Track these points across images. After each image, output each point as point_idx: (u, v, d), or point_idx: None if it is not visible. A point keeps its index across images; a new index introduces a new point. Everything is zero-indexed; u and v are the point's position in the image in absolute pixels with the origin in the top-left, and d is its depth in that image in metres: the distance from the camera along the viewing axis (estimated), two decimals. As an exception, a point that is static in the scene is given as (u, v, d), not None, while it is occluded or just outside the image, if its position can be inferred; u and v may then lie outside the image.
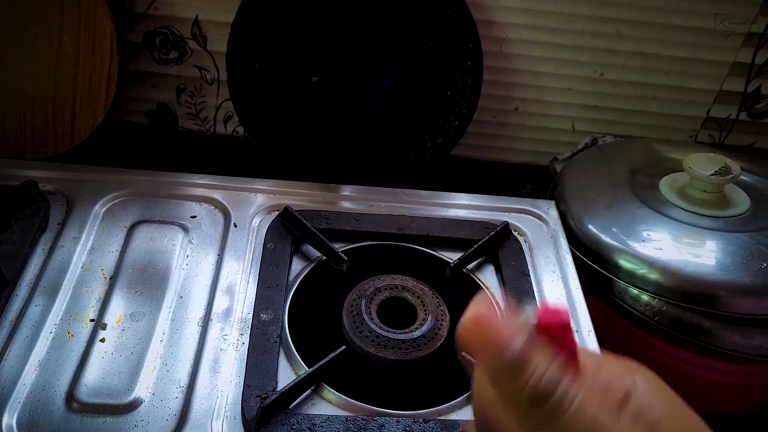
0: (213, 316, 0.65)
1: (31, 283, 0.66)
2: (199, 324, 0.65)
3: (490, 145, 1.06)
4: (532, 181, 1.07)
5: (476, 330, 0.34)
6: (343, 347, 0.62)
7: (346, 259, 0.70)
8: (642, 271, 0.75)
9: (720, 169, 0.80)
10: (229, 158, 1.02)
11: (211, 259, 0.71)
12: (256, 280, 0.69)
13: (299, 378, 0.58)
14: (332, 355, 0.61)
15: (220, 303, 0.66)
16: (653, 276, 0.74)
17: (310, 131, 0.88)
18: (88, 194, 0.75)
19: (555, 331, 0.32)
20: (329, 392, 0.60)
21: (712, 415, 0.84)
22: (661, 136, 1.04)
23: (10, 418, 0.55)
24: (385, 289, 0.68)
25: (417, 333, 0.64)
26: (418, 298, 0.67)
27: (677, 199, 0.82)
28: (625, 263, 0.76)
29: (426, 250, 0.75)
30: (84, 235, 0.71)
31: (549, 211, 0.82)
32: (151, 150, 1.02)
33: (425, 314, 0.66)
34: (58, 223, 0.72)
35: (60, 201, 0.74)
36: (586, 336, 0.67)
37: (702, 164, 0.81)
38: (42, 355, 0.60)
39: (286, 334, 0.64)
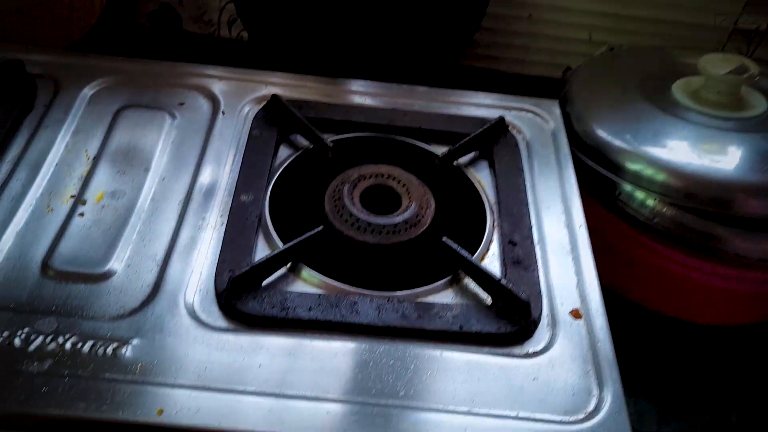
0: (194, 197, 0.64)
1: (13, 160, 0.65)
2: (179, 204, 0.64)
3: (501, 56, 1.02)
4: (545, 90, 1.03)
5: None
6: (321, 227, 0.60)
7: (331, 145, 0.68)
8: (649, 171, 0.72)
9: (737, 68, 0.75)
10: (233, 62, 1.00)
11: (197, 144, 0.70)
12: (239, 165, 0.67)
13: (273, 254, 0.57)
14: (309, 234, 0.59)
15: (202, 186, 0.65)
16: (660, 177, 0.71)
17: (312, 33, 0.86)
18: (77, 79, 0.74)
19: None
20: (307, 272, 0.59)
21: (718, 324, 0.82)
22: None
23: (-16, 280, 0.55)
24: (370, 177, 0.66)
25: (399, 218, 0.62)
26: (403, 186, 0.65)
27: (690, 102, 0.78)
28: (632, 165, 0.73)
29: (416, 143, 0.73)
30: (70, 117, 0.70)
31: (552, 110, 0.78)
32: (154, 52, 1.01)
33: (409, 201, 0.64)
34: (45, 105, 0.71)
35: (47, 85, 0.73)
36: (577, 230, 0.65)
37: (718, 64, 0.76)
38: (20, 226, 0.60)
39: (265, 216, 0.63)
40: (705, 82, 0.78)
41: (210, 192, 0.65)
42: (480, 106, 0.78)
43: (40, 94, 0.72)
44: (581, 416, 0.51)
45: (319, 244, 0.60)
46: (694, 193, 0.71)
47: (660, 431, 0.51)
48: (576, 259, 0.62)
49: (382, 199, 0.65)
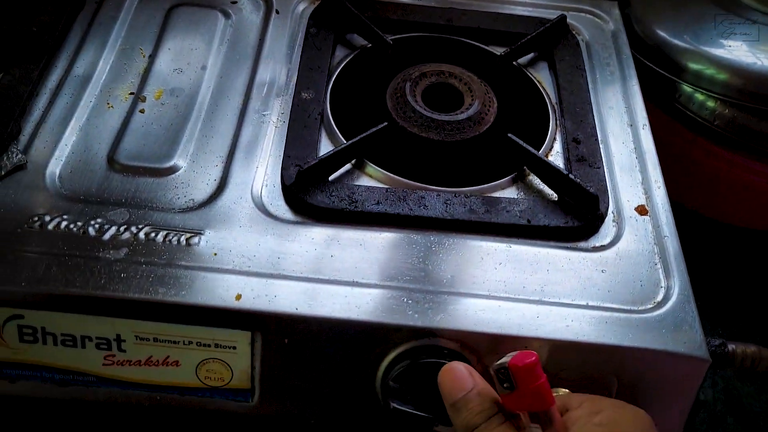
0: (253, 95, 0.63)
1: (69, 56, 0.65)
2: (239, 102, 0.63)
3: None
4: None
5: (442, 378, 0.44)
6: (385, 123, 0.59)
7: (391, 42, 0.66)
8: (710, 71, 0.70)
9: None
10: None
11: (252, 43, 0.68)
12: (297, 63, 0.66)
13: (339, 148, 0.57)
14: (373, 129, 0.59)
15: (261, 84, 0.64)
16: (722, 77, 0.70)
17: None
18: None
19: (525, 371, 0.40)
20: (371, 168, 0.58)
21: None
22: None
23: (55, 170, 0.55)
24: (432, 75, 0.65)
25: (462, 116, 0.61)
26: (465, 84, 0.64)
27: (756, 2, 0.75)
28: (692, 65, 0.72)
29: (475, 43, 0.71)
30: (122, 14, 0.69)
31: (611, 11, 0.76)
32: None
33: (472, 99, 0.63)
34: (96, 2, 0.70)
35: (96, -20, 0.72)
36: (641, 129, 0.64)
37: (786, -38, 0.73)
38: (82, 121, 0.60)
39: (327, 112, 0.62)
40: (772, -18, 0.75)
41: (269, 90, 0.64)
42: (538, 6, 0.76)
43: (91, -10, 0.71)
44: (650, 305, 0.51)
45: (383, 140, 0.60)
46: (755, 93, 0.69)
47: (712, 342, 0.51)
48: (640, 158, 0.62)
49: (444, 97, 0.64)
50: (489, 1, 0.75)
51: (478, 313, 0.49)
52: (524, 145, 0.58)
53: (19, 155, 0.56)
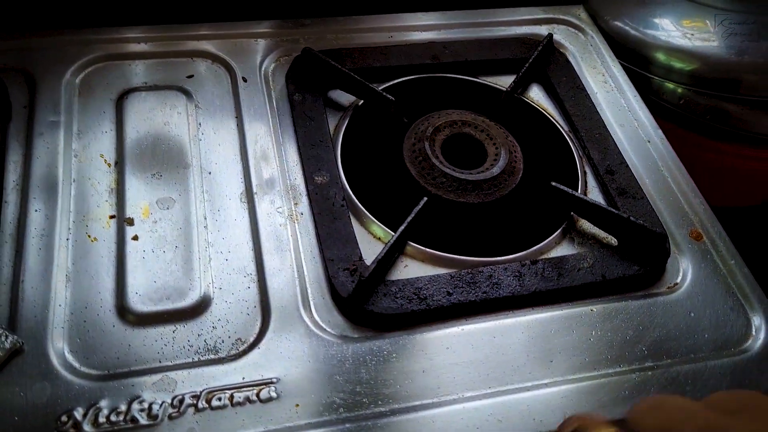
0: (256, 188, 0.55)
1: (17, 186, 0.52)
2: (243, 200, 0.54)
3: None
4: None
5: None
6: (425, 199, 0.53)
7: (393, 99, 0.59)
8: (679, 64, 0.70)
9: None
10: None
11: (229, 122, 0.59)
12: (291, 139, 0.58)
13: (391, 241, 0.50)
14: (416, 209, 0.52)
15: (259, 172, 0.56)
16: (689, 68, 0.69)
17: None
18: (50, 64, 0.59)
19: None
20: (417, 250, 0.52)
21: (746, 206, 0.83)
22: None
23: (60, 344, 0.45)
24: (445, 127, 0.59)
25: (496, 170, 0.56)
26: (482, 131, 0.59)
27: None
28: (660, 57, 0.71)
29: (468, 78, 0.65)
30: (63, 115, 0.57)
31: (580, 16, 0.73)
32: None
33: (496, 148, 0.58)
34: (24, 107, 0.57)
35: (16, 78, 0.58)
36: (659, 143, 0.62)
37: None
38: (68, 268, 0.49)
39: (350, 195, 0.55)
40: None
41: (271, 177, 0.55)
42: (510, 23, 0.71)
43: (13, 93, 0.57)
44: (747, 343, 0.50)
45: (421, 216, 0.53)
46: (718, 78, 0.70)
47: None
48: (672, 176, 0.60)
49: (464, 149, 0.59)
50: (459, 27, 0.70)
51: (624, 394, 0.46)
52: (571, 191, 0.55)
53: (10, 336, 0.44)
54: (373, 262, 0.49)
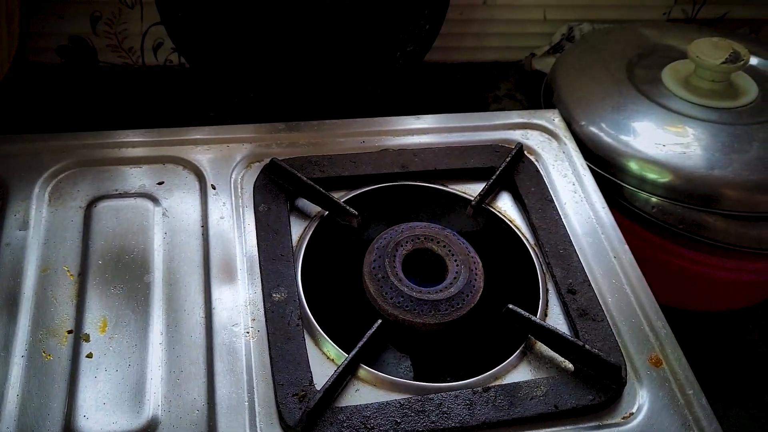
0: (215, 303, 0.55)
1: (-21, 298, 0.53)
2: (201, 315, 0.55)
3: (457, 46, 0.97)
4: (505, 78, 0.99)
5: None
6: (379, 321, 0.53)
7: (356, 213, 0.60)
8: (652, 175, 0.70)
9: (729, 56, 0.74)
10: (165, 94, 0.88)
11: (195, 232, 0.60)
12: (254, 251, 0.58)
13: (341, 367, 0.50)
14: (370, 333, 0.52)
15: (220, 285, 0.56)
16: (662, 180, 0.69)
17: (262, 51, 0.76)
18: (22, 172, 0.61)
19: None
20: (370, 373, 0.52)
21: (719, 311, 0.83)
22: (635, 17, 0.98)
23: (4, 477, 0.45)
24: (406, 242, 0.59)
25: (454, 289, 0.57)
26: (444, 246, 0.59)
27: (682, 91, 0.76)
28: (633, 166, 0.71)
29: (437, 186, 0.66)
30: (32, 225, 0.58)
31: (554, 121, 0.74)
32: (69, 93, 0.87)
33: (456, 265, 0.58)
34: (-6, 217, 0.58)
35: (-13, 186, 0.60)
36: (625, 262, 0.62)
37: (709, 52, 0.74)
38: (19, 386, 0.49)
39: (307, 314, 0.55)
40: (696, 71, 0.76)
41: (231, 292, 0.56)
42: (485, 128, 0.72)
43: (-16, 200, 0.59)
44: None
45: (376, 337, 0.54)
46: (690, 193, 0.69)
47: None
48: (636, 296, 0.60)
49: (426, 265, 0.59)
50: (432, 132, 0.71)
51: None
52: (529, 315, 0.55)
53: (-47, 464, 0.45)
54: (321, 389, 0.49)
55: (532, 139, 0.72)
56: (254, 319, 0.55)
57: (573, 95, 0.78)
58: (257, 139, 0.67)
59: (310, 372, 0.51)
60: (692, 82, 0.77)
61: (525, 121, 0.73)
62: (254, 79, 0.78)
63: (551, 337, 0.54)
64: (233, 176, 0.64)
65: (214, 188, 0.63)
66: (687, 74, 0.77)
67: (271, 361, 0.52)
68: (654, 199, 0.71)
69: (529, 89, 0.97)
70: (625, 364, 0.54)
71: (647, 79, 0.78)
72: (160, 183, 0.63)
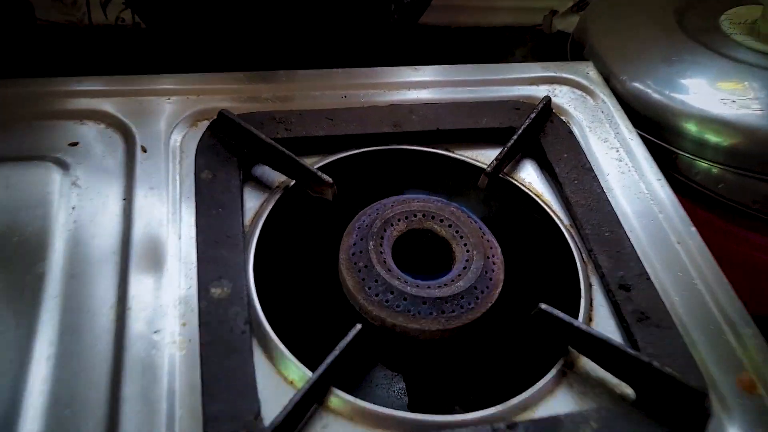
0: (132, 301, 0.39)
1: None
2: (110, 317, 0.39)
3: (464, 5, 0.82)
4: (521, 44, 0.84)
5: None
6: (359, 326, 0.38)
7: (331, 181, 0.44)
8: (716, 138, 0.54)
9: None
10: (115, 56, 0.73)
11: (114, 207, 0.44)
12: (193, 231, 0.43)
13: (302, 392, 0.34)
14: (345, 342, 0.37)
15: (142, 278, 0.41)
16: (729, 143, 0.54)
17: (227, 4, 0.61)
18: None
19: None
20: (344, 402, 0.37)
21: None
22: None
23: None
24: (398, 220, 0.44)
25: (463, 283, 0.41)
26: (450, 226, 0.44)
27: (748, 39, 0.61)
28: (691, 128, 0.55)
29: (439, 152, 0.51)
30: None
31: (589, 74, 0.59)
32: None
33: (467, 251, 0.43)
34: None
35: None
36: (693, 248, 0.46)
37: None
38: None
39: (258, 317, 0.39)
40: (765, 14, 0.61)
41: (157, 287, 0.40)
42: (500, 83, 0.57)
43: None
44: None
45: (354, 350, 0.38)
46: (753, 155, 0.54)
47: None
48: (712, 295, 0.44)
49: (425, 252, 0.44)
50: (434, 86, 0.55)
51: None
52: (569, 319, 0.39)
53: None
54: (270, 426, 0.33)
55: (562, 97, 0.56)
56: (185, 324, 0.39)
57: (610, 47, 0.62)
58: (208, 91, 0.52)
59: (258, 400, 0.36)
60: (761, 29, 0.61)
61: (551, 74, 0.58)
62: (219, 35, 0.63)
63: (601, 350, 0.38)
64: (173, 137, 0.48)
65: (144, 151, 0.47)
66: (752, 19, 0.62)
67: (202, 385, 0.36)
68: (717, 170, 0.55)
69: (549, 56, 0.82)
70: (707, 388, 0.39)
71: (702, 26, 0.63)
72: (73, 144, 0.47)
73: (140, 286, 0.40)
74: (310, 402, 0.36)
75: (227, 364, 0.37)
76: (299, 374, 0.37)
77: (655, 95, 0.57)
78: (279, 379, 0.37)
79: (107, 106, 0.50)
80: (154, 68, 0.53)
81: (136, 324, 0.39)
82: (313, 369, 0.36)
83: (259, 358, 0.38)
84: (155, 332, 0.38)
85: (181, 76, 0.52)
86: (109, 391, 0.36)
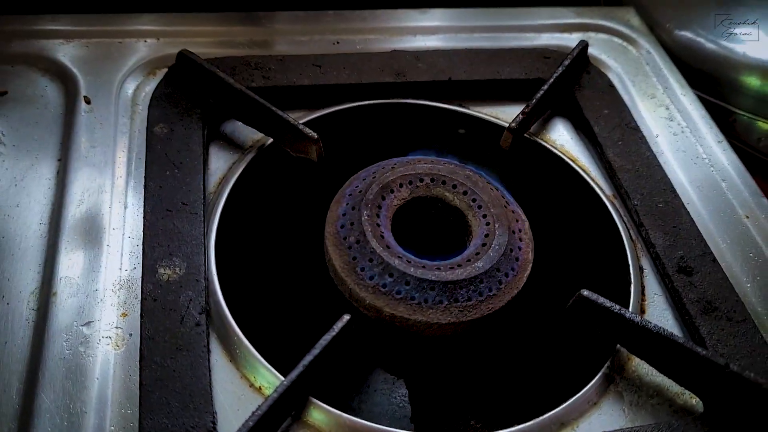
0: (59, 284, 0.31)
1: None
2: (31, 307, 0.30)
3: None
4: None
5: None
6: (347, 317, 0.29)
7: (316, 137, 0.35)
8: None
9: None
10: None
11: (45, 169, 0.36)
12: (139, 199, 0.34)
13: (270, 402, 0.26)
14: (329, 336, 0.28)
15: (73, 256, 0.32)
16: None
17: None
18: None
19: None
20: (327, 414, 0.28)
21: None
22: None
23: None
24: (400, 185, 0.35)
25: (482, 264, 0.32)
26: (464, 194, 0.35)
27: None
28: (752, 83, 0.47)
29: (452, 107, 0.42)
30: None
31: (630, 22, 0.50)
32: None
33: (486, 224, 0.34)
34: None
35: None
36: (766, 224, 0.37)
37: None
38: None
39: (219, 304, 0.31)
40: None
41: (92, 267, 0.32)
42: (526, 29, 0.48)
43: None
44: None
45: (340, 348, 0.29)
46: None
47: None
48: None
49: (433, 225, 0.35)
50: (444, 31, 0.46)
51: None
52: (619, 309, 0.30)
53: None
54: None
55: (599, 46, 0.47)
56: (125, 315, 0.31)
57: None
58: (171, 33, 0.43)
59: (213, 412, 0.27)
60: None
61: (586, 21, 0.49)
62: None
63: (660, 349, 0.30)
64: (125, 86, 0.40)
65: (88, 102, 0.38)
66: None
67: (140, 392, 0.28)
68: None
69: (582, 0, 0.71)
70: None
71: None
72: (3, 93, 0.39)
73: (71, 266, 0.32)
74: (283, 415, 0.27)
75: (174, 365, 0.28)
76: (269, 379, 0.29)
77: (709, 45, 0.48)
78: (243, 385, 0.29)
79: (46, 48, 0.41)
80: (109, 5, 0.44)
81: (62, 313, 0.30)
82: (285, 373, 0.27)
83: (217, 357, 0.30)
84: (86, 324, 0.30)
85: (139, 16, 0.44)
86: (21, 400, 0.28)
